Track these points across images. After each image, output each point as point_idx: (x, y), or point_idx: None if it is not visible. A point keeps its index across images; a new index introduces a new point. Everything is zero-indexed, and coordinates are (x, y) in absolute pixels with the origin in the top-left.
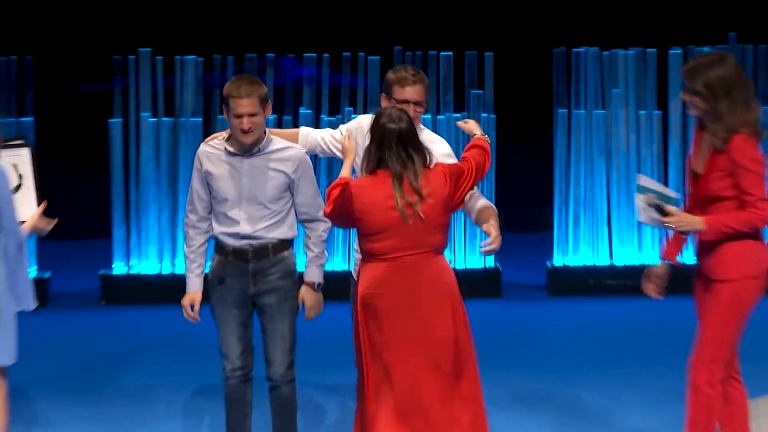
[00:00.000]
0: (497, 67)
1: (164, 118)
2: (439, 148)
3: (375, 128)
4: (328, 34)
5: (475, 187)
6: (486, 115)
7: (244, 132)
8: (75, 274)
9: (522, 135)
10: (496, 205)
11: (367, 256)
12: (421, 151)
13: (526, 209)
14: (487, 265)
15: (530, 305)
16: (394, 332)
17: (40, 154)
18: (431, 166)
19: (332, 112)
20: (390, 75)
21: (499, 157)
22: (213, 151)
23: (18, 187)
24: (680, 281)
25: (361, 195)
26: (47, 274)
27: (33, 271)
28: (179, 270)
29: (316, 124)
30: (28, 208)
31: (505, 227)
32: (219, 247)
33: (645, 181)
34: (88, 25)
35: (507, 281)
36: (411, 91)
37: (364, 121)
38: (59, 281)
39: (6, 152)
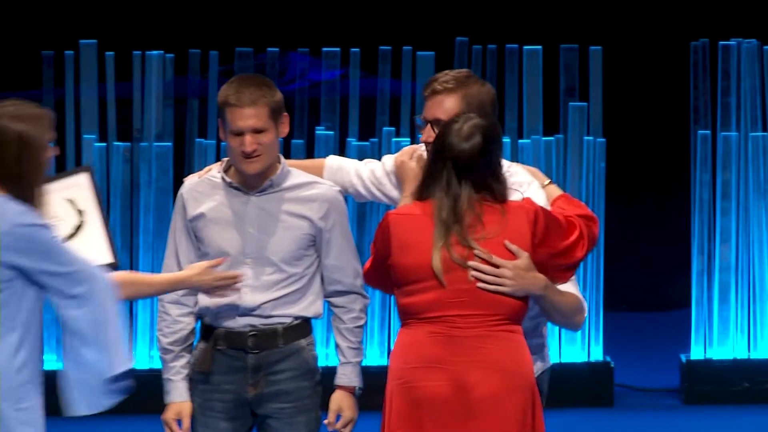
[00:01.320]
0: (608, 67)
1: (117, 142)
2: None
3: (436, 142)
4: (358, 21)
5: None
6: (591, 138)
7: (247, 157)
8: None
9: (642, 167)
10: (604, 272)
11: (404, 317)
12: (492, 187)
13: (650, 278)
14: (592, 359)
15: (655, 418)
16: None
17: None
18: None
19: (365, 132)
20: None
21: (609, 202)
22: (204, 187)
23: (79, 227)
24: None
25: (401, 224)
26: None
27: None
28: (156, 364)
29: (341, 151)
30: (98, 248)
31: (619, 304)
32: (205, 328)
33: None
34: (5, 7)
35: (621, 383)
36: (433, 106)
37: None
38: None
39: (57, 185)
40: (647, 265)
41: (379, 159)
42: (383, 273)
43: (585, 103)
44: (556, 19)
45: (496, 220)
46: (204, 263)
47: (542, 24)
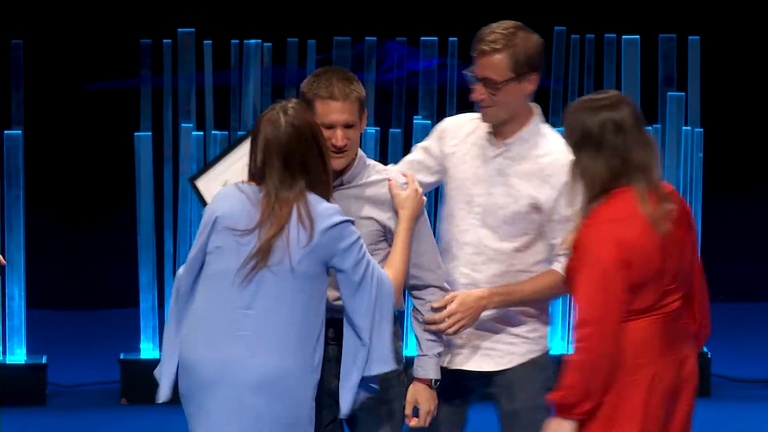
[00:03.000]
0: (706, 56)
1: (215, 131)
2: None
3: (590, 125)
4: (457, 10)
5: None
6: (688, 128)
7: (338, 151)
8: (83, 360)
9: (740, 158)
10: (702, 262)
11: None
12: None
13: (748, 269)
14: None
15: (751, 408)
16: None
17: (30, 183)
18: None
19: None
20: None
21: (706, 193)
22: None
23: None
24: None
25: (629, 237)
26: (43, 359)
27: (22, 354)
28: None
29: None
30: None
31: (716, 295)
32: None
33: None
34: None
35: (719, 373)
36: (482, 65)
37: (453, 121)
38: (60, 370)
39: (232, 157)
40: (745, 256)
41: None
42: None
43: (683, 93)
44: (655, 8)
45: None
46: None
47: (641, 13)
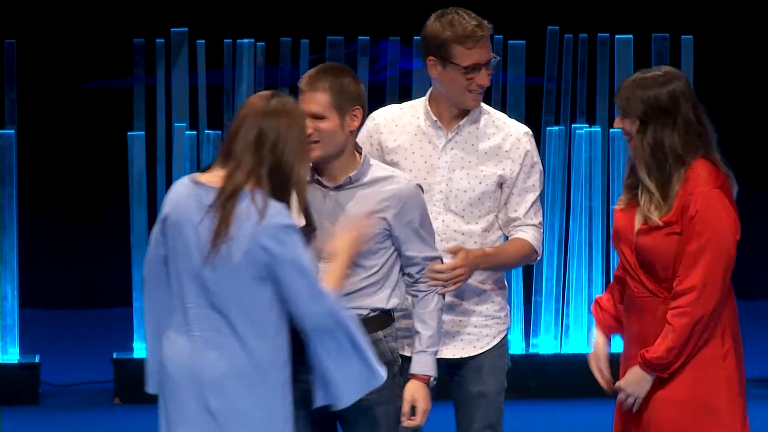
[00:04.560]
0: (699, 56)
1: (208, 131)
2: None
3: (660, 97)
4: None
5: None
6: None
7: (309, 141)
8: (77, 359)
9: (737, 158)
10: None
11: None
12: None
13: (744, 266)
14: None
15: (751, 408)
16: None
17: (24, 183)
18: None
19: None
20: (441, 29)
21: None
22: None
23: (310, 228)
24: None
25: (732, 204)
26: (36, 359)
27: (14, 354)
28: None
29: None
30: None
31: None
32: None
33: None
34: None
35: None
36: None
37: (385, 116)
38: (53, 369)
39: None
40: (742, 255)
41: None
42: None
43: None
44: (648, 8)
45: None
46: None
47: (634, 13)
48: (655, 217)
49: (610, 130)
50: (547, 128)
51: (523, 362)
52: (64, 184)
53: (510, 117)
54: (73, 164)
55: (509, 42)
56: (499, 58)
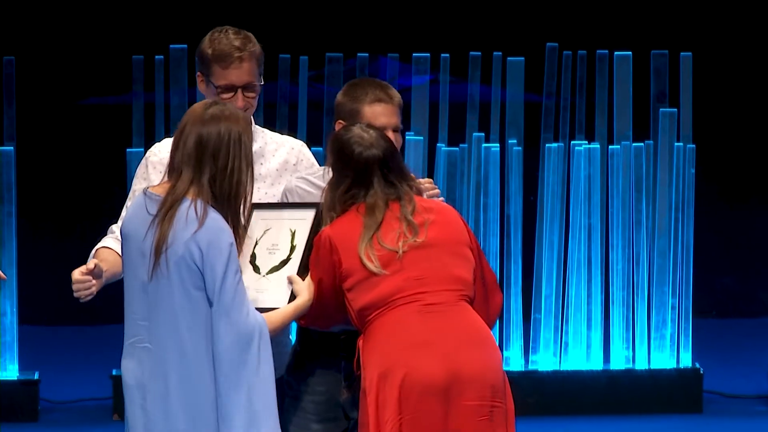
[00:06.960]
0: (698, 72)
1: None
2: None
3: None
4: (448, 26)
5: None
6: (681, 144)
7: None
8: (76, 376)
9: (733, 173)
10: (693, 278)
11: (367, 320)
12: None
13: (739, 285)
14: (681, 365)
15: (745, 424)
16: None
17: (23, 199)
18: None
19: (454, 138)
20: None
21: (699, 208)
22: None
23: (285, 262)
24: None
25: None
26: (35, 375)
27: (14, 371)
28: None
29: (431, 156)
30: (281, 291)
31: (709, 311)
32: (300, 331)
33: None
34: (95, 13)
35: (711, 389)
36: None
37: (163, 150)
38: (53, 386)
39: (290, 213)
40: (738, 271)
41: (469, 164)
42: (330, 301)
43: (675, 109)
44: (647, 24)
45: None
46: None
47: (633, 29)
48: None
49: (609, 146)
50: (546, 145)
51: (522, 379)
52: (63, 201)
53: (509, 133)
54: (72, 181)
55: (508, 58)
56: (261, 84)
